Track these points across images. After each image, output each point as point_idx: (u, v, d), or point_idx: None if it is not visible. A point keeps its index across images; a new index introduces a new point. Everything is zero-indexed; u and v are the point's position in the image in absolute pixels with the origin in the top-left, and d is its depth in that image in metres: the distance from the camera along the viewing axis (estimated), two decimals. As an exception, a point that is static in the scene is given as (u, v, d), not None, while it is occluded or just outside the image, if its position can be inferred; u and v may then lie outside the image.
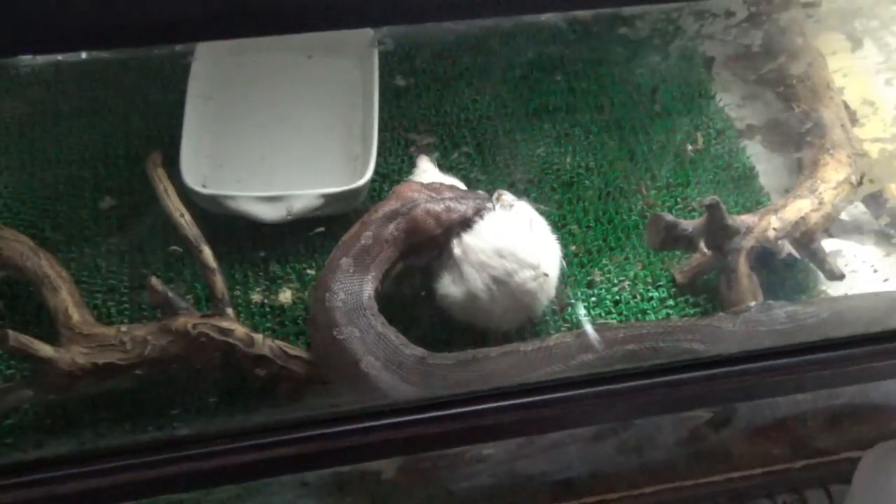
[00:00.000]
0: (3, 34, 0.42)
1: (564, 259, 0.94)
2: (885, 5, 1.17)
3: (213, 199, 0.95)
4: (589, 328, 0.87)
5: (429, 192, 0.91)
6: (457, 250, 0.89)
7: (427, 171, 1.01)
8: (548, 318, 0.95)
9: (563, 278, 0.95)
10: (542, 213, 0.94)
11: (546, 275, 0.89)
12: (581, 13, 1.19)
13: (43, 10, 0.41)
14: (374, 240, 0.87)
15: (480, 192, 0.95)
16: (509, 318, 0.90)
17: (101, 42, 0.44)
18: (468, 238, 0.89)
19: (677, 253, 1.00)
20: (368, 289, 0.85)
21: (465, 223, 0.90)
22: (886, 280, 0.99)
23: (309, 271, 0.97)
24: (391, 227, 0.88)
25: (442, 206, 0.90)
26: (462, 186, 0.97)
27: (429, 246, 0.90)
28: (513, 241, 0.88)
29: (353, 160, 1.04)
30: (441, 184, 0.94)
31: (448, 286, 0.89)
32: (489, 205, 0.92)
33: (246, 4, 0.42)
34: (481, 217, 0.91)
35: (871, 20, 1.17)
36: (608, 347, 0.84)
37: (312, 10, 0.44)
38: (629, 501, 1.02)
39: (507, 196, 0.94)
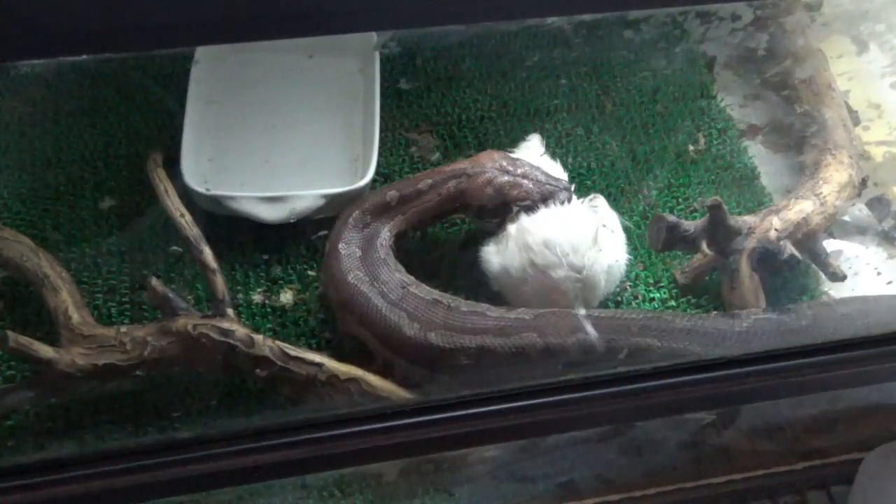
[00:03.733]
0: (6, 38, 0.41)
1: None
2: (892, 9, 1.16)
3: (215, 199, 0.94)
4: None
5: (505, 163, 0.93)
6: (511, 226, 0.91)
7: (530, 147, 1.00)
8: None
9: (612, 295, 0.95)
10: (625, 229, 0.95)
11: (581, 282, 0.87)
12: (585, 17, 1.19)
13: (44, 15, 0.41)
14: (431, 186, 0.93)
15: (564, 181, 0.95)
16: (535, 306, 0.89)
17: (106, 46, 0.44)
18: (525, 218, 0.90)
19: (679, 253, 0.99)
20: (389, 226, 0.92)
21: (528, 205, 0.91)
22: (889, 283, 0.99)
23: (310, 272, 0.97)
24: (451, 183, 0.92)
25: (508, 180, 0.92)
26: (560, 171, 0.97)
27: (490, 212, 0.93)
28: (567, 238, 0.87)
29: (354, 161, 1.04)
30: (522, 161, 0.94)
31: (490, 253, 0.91)
32: (563, 195, 0.92)
33: (250, 9, 0.42)
34: (549, 204, 0.91)
35: (877, 24, 1.17)
36: (565, 334, 0.83)
37: (316, 15, 0.44)
38: (631, 503, 1.02)
39: (601, 200, 0.94)
